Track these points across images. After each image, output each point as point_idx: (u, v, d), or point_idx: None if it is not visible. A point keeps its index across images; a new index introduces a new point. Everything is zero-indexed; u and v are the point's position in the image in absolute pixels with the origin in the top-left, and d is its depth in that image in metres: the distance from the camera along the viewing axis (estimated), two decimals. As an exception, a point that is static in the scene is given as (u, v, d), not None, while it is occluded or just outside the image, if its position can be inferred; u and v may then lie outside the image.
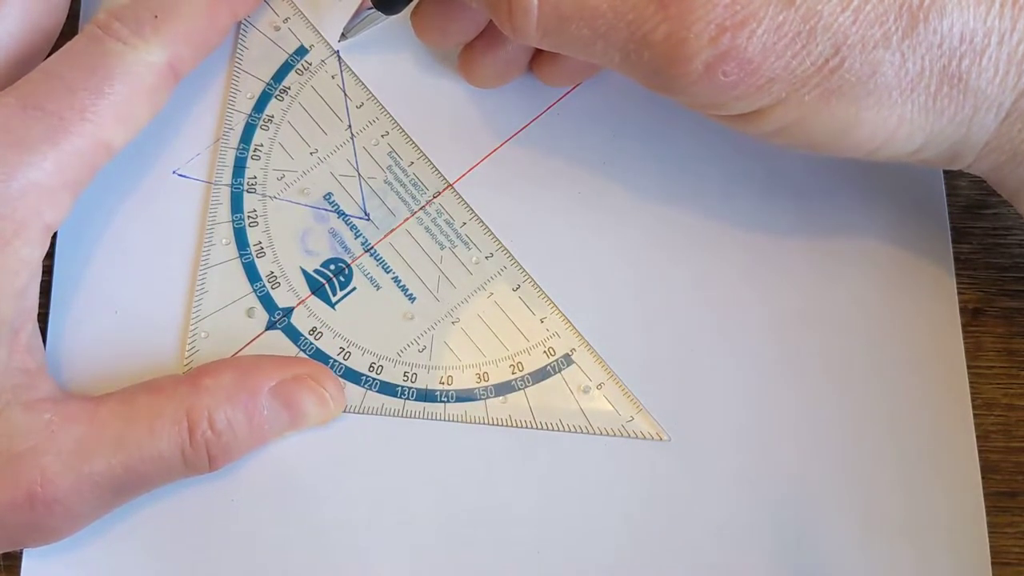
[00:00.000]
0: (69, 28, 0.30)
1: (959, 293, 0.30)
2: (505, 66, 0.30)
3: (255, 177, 0.30)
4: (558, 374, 0.29)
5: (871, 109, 0.23)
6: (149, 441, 0.26)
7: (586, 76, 0.30)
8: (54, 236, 0.28)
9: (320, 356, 0.29)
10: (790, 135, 0.25)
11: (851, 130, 0.24)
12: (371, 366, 0.29)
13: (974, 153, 0.25)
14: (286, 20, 0.32)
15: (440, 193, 0.31)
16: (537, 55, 0.30)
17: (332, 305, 0.30)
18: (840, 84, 0.23)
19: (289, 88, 0.31)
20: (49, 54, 0.28)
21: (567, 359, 0.29)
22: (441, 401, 0.29)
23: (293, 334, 0.29)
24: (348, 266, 0.30)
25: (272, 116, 0.31)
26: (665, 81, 0.24)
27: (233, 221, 0.30)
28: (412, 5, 0.29)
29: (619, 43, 0.24)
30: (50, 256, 0.29)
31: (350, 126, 0.31)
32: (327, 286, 0.30)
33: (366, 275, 0.30)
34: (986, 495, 0.28)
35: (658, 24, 0.23)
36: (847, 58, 0.22)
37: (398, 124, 0.31)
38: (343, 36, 0.31)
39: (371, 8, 0.29)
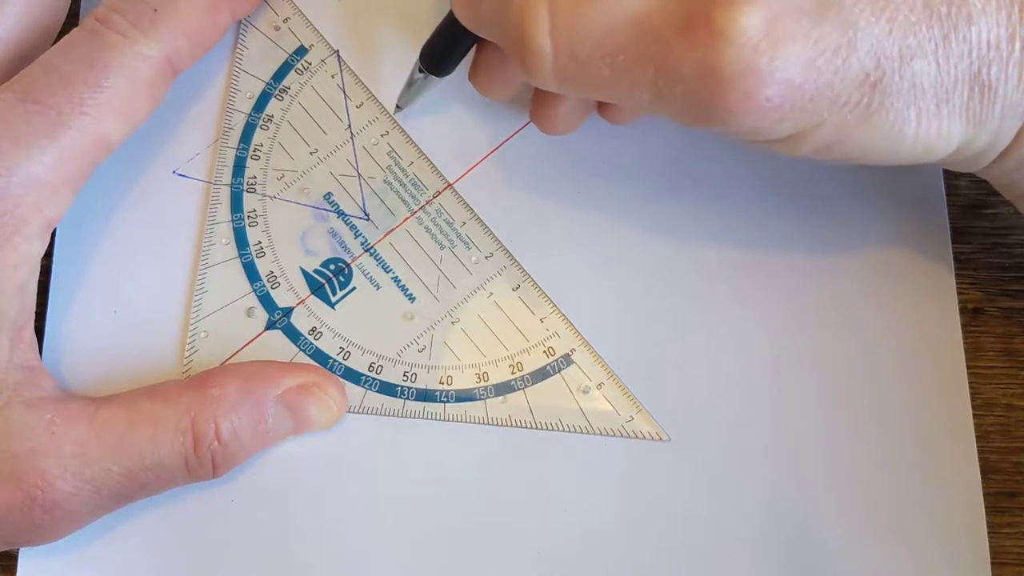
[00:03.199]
0: (69, 27, 0.29)
1: (959, 293, 0.30)
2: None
3: (255, 177, 0.30)
4: (558, 374, 0.29)
5: (911, 122, 0.23)
6: (151, 449, 0.26)
7: (580, 122, 0.29)
8: (53, 233, 0.28)
9: (320, 356, 0.29)
10: (833, 153, 0.24)
11: (894, 144, 0.23)
12: (371, 366, 0.29)
13: (991, 158, 0.24)
14: (286, 20, 0.32)
15: (440, 193, 0.31)
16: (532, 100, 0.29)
17: (332, 305, 0.30)
18: (882, 99, 0.22)
19: (289, 88, 0.31)
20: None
21: (567, 359, 0.29)
22: (441, 401, 0.29)
23: (293, 334, 0.29)
24: (348, 266, 0.30)
25: (272, 116, 0.31)
26: (703, 114, 0.22)
27: (233, 221, 0.30)
28: (466, 61, 0.28)
29: (647, 80, 0.22)
30: (48, 255, 0.29)
31: (350, 126, 0.31)
32: (327, 286, 0.30)
33: (366, 275, 0.30)
34: (986, 495, 0.28)
35: (687, 54, 0.21)
36: (887, 71, 0.22)
37: (398, 124, 0.31)
38: (398, 108, 0.30)
39: (423, 74, 0.29)
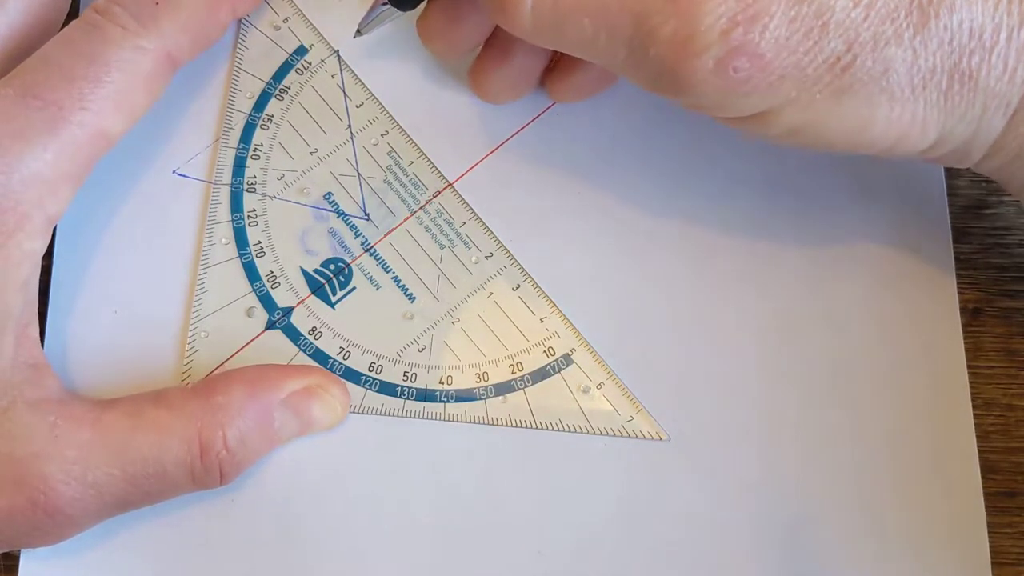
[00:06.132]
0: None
1: (959, 293, 0.30)
2: (515, 81, 0.29)
3: (255, 176, 0.30)
4: (558, 374, 0.29)
5: (883, 107, 0.23)
6: (155, 456, 0.25)
7: (597, 91, 0.30)
8: (53, 232, 0.28)
9: (320, 356, 0.29)
10: (801, 136, 0.24)
11: (864, 129, 0.23)
12: (371, 366, 0.29)
13: (982, 152, 0.24)
14: (286, 20, 0.32)
15: (440, 192, 0.31)
16: (547, 69, 0.30)
17: (332, 305, 0.30)
18: (852, 82, 0.22)
19: (289, 88, 0.31)
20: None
21: (567, 359, 0.29)
22: (441, 401, 0.29)
23: (293, 334, 0.29)
24: (348, 266, 0.30)
25: (272, 115, 0.31)
26: (672, 80, 0.23)
27: (233, 220, 0.30)
28: (424, 4, 0.29)
29: (623, 38, 0.23)
30: (49, 255, 0.29)
31: (350, 126, 0.31)
32: (327, 286, 0.30)
33: (366, 275, 0.30)
34: (986, 495, 0.28)
35: (667, 18, 0.22)
36: (859, 55, 0.22)
37: (398, 124, 0.31)
38: (358, 32, 0.30)
39: (385, 4, 0.29)
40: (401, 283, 0.30)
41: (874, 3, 0.22)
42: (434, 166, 0.31)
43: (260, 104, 0.31)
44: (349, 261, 0.30)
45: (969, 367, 0.29)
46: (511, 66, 0.29)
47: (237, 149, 0.31)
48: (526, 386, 0.29)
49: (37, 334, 0.26)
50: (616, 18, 0.23)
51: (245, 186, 0.30)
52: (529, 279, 0.30)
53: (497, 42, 0.29)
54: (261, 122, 0.31)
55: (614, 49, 0.23)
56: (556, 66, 0.29)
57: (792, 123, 0.24)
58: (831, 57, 0.22)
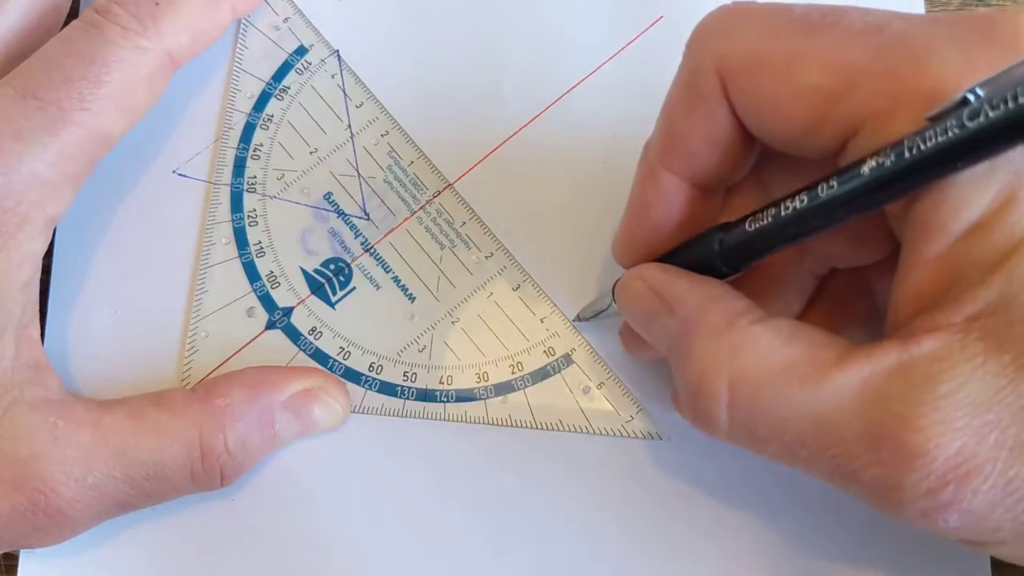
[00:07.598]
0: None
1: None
2: None
3: (255, 176, 0.30)
4: (558, 374, 0.29)
5: None
6: (155, 459, 0.25)
7: None
8: (53, 232, 0.28)
9: (320, 356, 0.29)
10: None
11: None
12: (371, 366, 0.29)
13: None
14: (286, 20, 0.32)
15: (440, 193, 0.31)
16: None
17: (332, 305, 0.30)
18: None
19: (289, 88, 0.31)
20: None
21: (567, 359, 0.29)
22: (441, 401, 0.29)
23: (293, 334, 0.29)
24: (348, 266, 0.30)
25: (272, 115, 0.31)
26: (879, 508, 0.21)
27: (233, 220, 0.30)
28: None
29: (823, 471, 0.21)
30: (49, 255, 0.29)
31: (350, 126, 0.31)
32: (327, 286, 0.30)
33: (366, 275, 0.30)
34: (986, 495, 0.28)
35: (868, 465, 0.20)
36: None
37: (398, 124, 0.31)
38: (578, 318, 0.29)
39: (614, 303, 0.27)
40: (401, 283, 0.30)
41: None
42: (434, 166, 0.31)
43: (260, 104, 0.31)
44: (349, 261, 0.30)
45: (969, 367, 0.29)
46: None
47: (237, 149, 0.31)
48: (526, 386, 0.29)
49: (38, 335, 0.26)
50: (814, 454, 0.21)
51: (245, 186, 0.30)
52: (529, 279, 0.30)
53: None
54: (261, 122, 0.31)
55: (814, 474, 0.22)
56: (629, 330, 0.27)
57: (1010, 556, 0.22)
58: None
